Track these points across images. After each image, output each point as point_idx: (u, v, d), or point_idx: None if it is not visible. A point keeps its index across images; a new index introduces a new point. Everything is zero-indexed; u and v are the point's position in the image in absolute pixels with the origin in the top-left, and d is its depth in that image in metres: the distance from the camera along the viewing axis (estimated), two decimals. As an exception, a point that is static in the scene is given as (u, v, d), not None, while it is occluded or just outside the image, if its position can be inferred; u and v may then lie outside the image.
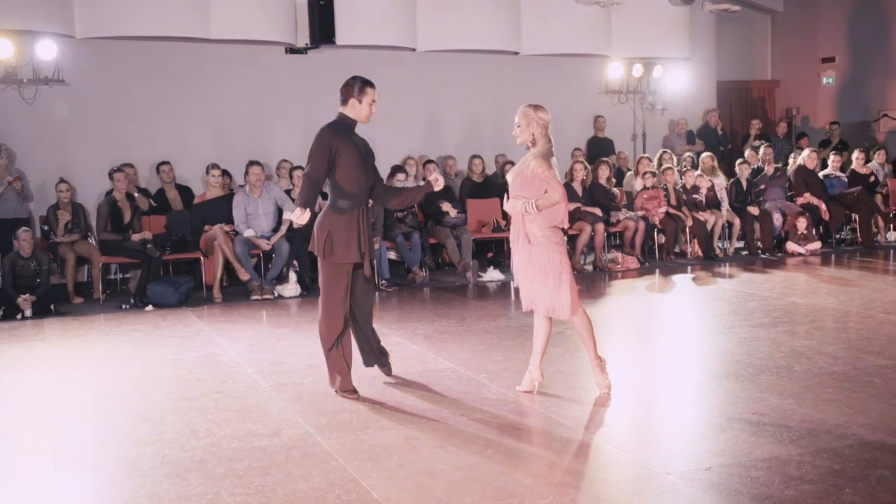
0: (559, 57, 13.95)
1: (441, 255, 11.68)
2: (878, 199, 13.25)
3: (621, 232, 11.99)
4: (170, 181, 11.20)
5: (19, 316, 9.12)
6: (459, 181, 12.57)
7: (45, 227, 10.38)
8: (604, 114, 14.39)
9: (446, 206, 11.23)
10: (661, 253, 12.17)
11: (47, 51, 10.81)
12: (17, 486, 4.55)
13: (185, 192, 11.29)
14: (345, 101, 5.84)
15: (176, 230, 10.43)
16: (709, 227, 12.19)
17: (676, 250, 12.32)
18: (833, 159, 13.45)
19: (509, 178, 5.76)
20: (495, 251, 12.20)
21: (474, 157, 12.51)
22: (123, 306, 9.64)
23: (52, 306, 9.41)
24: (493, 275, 10.87)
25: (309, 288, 10.32)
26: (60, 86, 11.23)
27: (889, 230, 13.32)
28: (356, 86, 5.81)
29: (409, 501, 4.07)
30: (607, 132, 14.33)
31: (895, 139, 15.67)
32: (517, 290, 5.81)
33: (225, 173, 11.23)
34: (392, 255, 10.86)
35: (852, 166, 13.43)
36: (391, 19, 12.62)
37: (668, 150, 13.65)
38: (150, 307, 9.54)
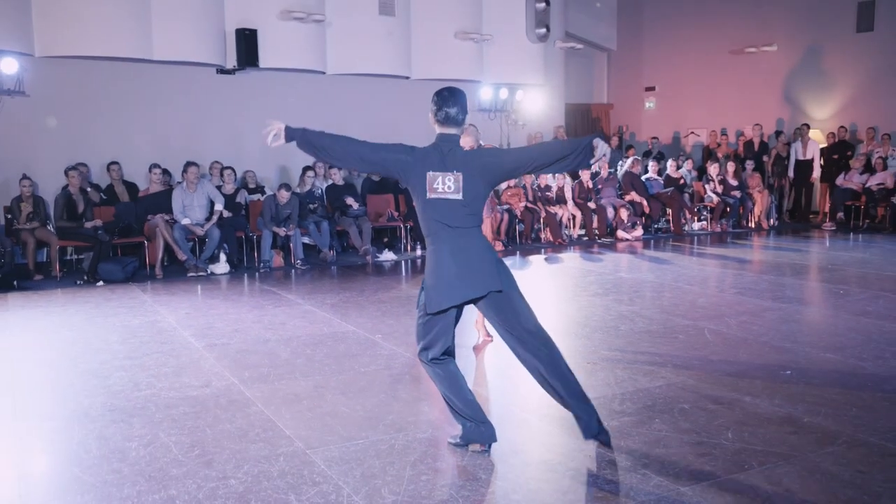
0: (442, 81, 13.92)
1: (346, 240, 11.60)
2: (686, 197, 13.73)
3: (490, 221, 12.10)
4: (118, 178, 10.81)
5: (-14, 290, 8.69)
6: (361, 180, 12.49)
7: (9, 216, 9.89)
8: (478, 128, 14.48)
9: (350, 200, 11.20)
10: (521, 238, 12.36)
11: (9, 66, 10.26)
12: (-18, 432, 4.34)
13: (131, 187, 10.91)
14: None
15: (123, 219, 10.12)
16: (558, 218, 12.45)
17: (533, 236, 12.54)
18: (652, 166, 13.87)
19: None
20: (390, 237, 12.18)
21: (373, 161, 12.44)
22: (77, 282, 9.26)
23: (14, 282, 8.97)
24: (387, 256, 10.86)
25: (236, 266, 10.15)
26: (22, 97, 10.66)
27: (694, 221, 13.81)
28: None
29: (316, 437, 4.05)
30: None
31: (699, 151, 16.28)
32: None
33: (165, 172, 10.93)
34: (306, 240, 10.75)
35: (667, 171, 13.86)
36: (306, 47, 12.44)
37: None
38: (100, 283, 9.21)
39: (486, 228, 5.79)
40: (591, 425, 3.75)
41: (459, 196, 3.58)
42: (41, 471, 3.84)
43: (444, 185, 3.59)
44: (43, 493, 3.54)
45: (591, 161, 3.50)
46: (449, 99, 3.65)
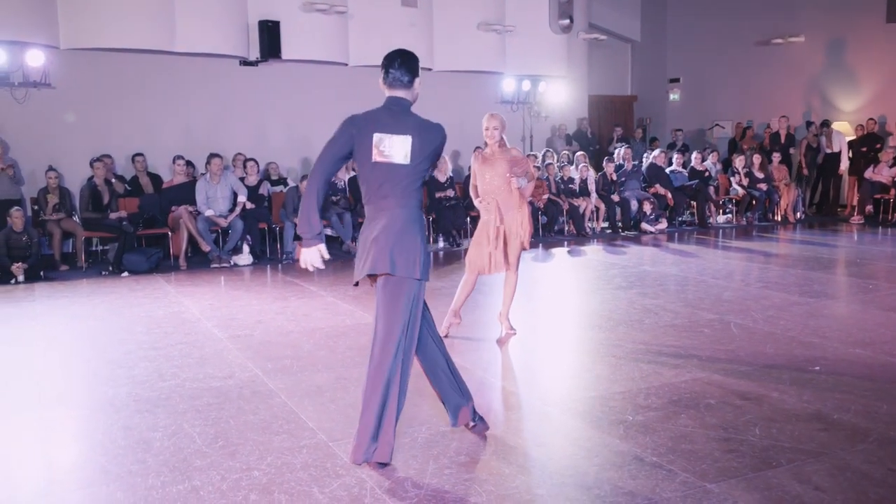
0: (464, 73, 13.93)
1: (368, 231, 11.58)
2: (711, 190, 13.60)
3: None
4: (142, 169, 10.90)
5: (13, 281, 8.77)
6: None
7: (36, 207, 10.02)
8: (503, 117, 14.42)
9: (372, 192, 11.20)
10: (544, 231, 12.30)
11: (35, 59, 10.36)
12: (10, 420, 4.37)
13: (155, 178, 10.99)
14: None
15: (147, 210, 10.20)
16: (581, 210, 12.36)
17: (556, 228, 12.47)
18: (676, 158, 13.75)
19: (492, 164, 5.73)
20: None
21: (395, 152, 12.43)
22: (103, 273, 9.35)
23: (41, 273, 9.07)
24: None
25: (259, 257, 10.19)
26: (48, 89, 10.76)
27: (719, 214, 13.69)
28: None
29: (338, 429, 4.04)
30: (502, 134, 14.37)
31: (724, 143, 16.10)
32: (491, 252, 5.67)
33: (189, 163, 10.99)
34: (329, 231, 10.75)
35: (692, 164, 13.73)
36: (328, 39, 12.43)
37: (550, 150, 13.80)
38: (125, 274, 9.28)
39: (527, 190, 5.76)
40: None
41: (406, 161, 3.45)
42: (68, 460, 3.87)
43: (392, 147, 3.45)
44: (69, 482, 3.56)
45: None
46: (395, 60, 3.54)
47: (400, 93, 3.56)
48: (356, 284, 3.67)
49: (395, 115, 3.51)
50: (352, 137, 3.49)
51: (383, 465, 3.52)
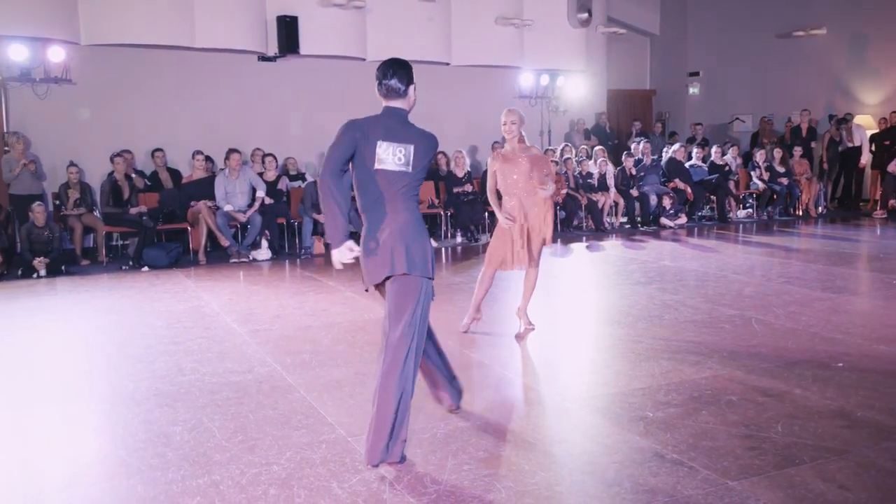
0: (482, 68, 13.86)
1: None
2: (731, 184, 13.48)
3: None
4: (162, 165, 10.96)
5: (35, 275, 8.86)
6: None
7: (57, 202, 10.11)
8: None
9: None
10: (563, 226, 12.24)
11: (57, 55, 10.45)
12: (34, 413, 4.41)
13: (175, 173, 11.05)
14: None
15: (167, 205, 10.25)
16: (599, 205, 12.29)
17: (574, 223, 12.41)
18: (696, 152, 13.64)
19: (514, 162, 5.68)
20: (430, 224, 12.14)
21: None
22: (123, 267, 9.42)
23: (62, 267, 9.16)
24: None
25: (278, 252, 10.22)
26: (68, 84, 10.84)
27: (739, 209, 13.57)
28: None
29: (357, 424, 4.04)
30: (520, 129, 14.32)
31: (745, 137, 15.96)
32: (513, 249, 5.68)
33: (208, 159, 11.03)
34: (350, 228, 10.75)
35: (712, 158, 13.62)
36: (346, 34, 12.43)
37: (569, 144, 13.72)
38: (145, 268, 9.35)
39: (550, 190, 5.72)
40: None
41: (409, 169, 3.52)
42: (88, 454, 3.88)
43: (395, 156, 3.51)
44: (90, 475, 3.57)
45: None
46: (388, 70, 3.58)
47: (396, 103, 3.62)
48: (367, 290, 3.75)
49: (397, 125, 3.57)
50: (355, 141, 3.50)
51: (400, 463, 3.53)
